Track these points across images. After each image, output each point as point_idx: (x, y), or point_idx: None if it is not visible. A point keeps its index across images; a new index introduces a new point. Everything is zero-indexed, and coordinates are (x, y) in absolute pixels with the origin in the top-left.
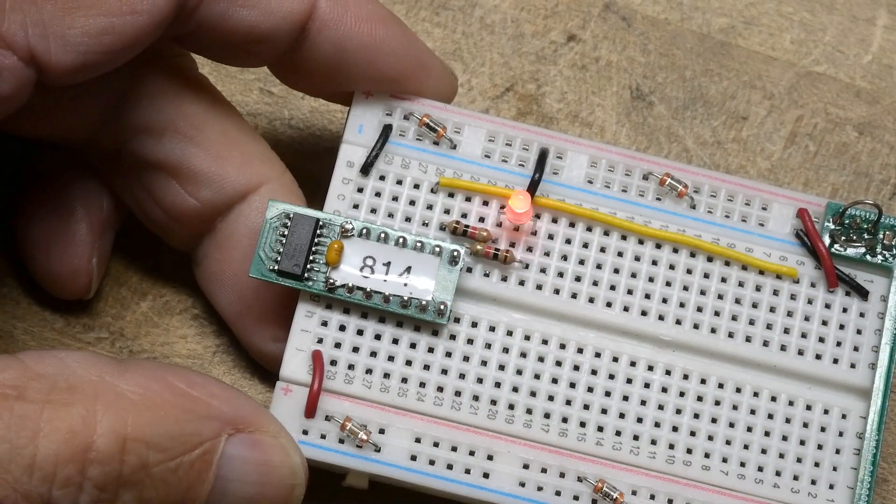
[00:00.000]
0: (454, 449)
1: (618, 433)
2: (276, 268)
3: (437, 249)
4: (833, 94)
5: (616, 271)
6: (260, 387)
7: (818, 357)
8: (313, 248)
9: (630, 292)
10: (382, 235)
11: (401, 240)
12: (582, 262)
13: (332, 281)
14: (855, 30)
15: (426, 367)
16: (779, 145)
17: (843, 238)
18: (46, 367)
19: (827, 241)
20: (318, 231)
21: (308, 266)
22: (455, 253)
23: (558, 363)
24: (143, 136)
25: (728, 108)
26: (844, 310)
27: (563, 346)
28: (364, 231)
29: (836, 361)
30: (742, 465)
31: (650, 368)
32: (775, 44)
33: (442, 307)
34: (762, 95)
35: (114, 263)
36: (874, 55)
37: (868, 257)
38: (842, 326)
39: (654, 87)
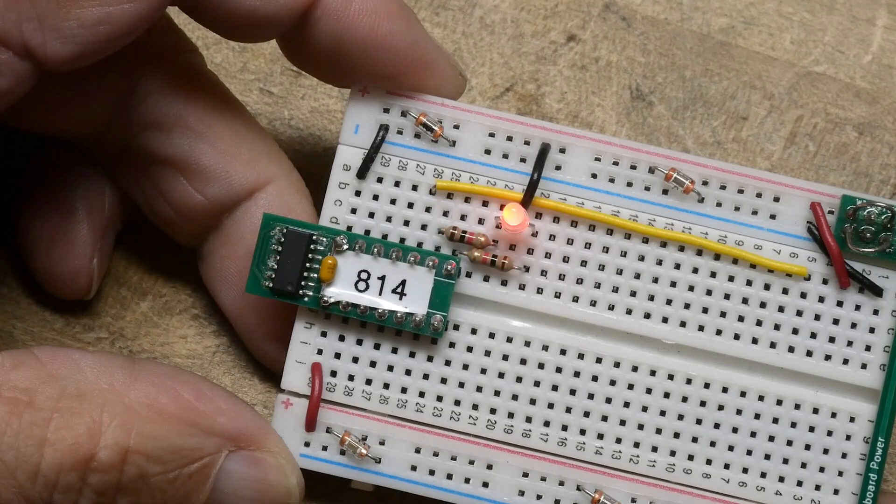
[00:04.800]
0: (454, 459)
1: (618, 440)
2: (270, 285)
3: (432, 263)
4: (833, 94)
5: (619, 272)
6: (260, 386)
7: (828, 358)
8: (307, 265)
9: (633, 294)
10: (376, 250)
11: (395, 254)
12: (584, 264)
13: (326, 299)
14: (855, 30)
15: (425, 377)
16: (779, 145)
17: (857, 233)
18: (59, 367)
19: (842, 236)
20: (312, 246)
21: (302, 283)
22: (450, 266)
23: (558, 370)
24: (151, 132)
25: (728, 108)
26: (857, 307)
27: (563, 352)
28: (358, 245)
29: (846, 362)
30: (744, 471)
31: (652, 373)
32: (775, 44)
33: (437, 322)
34: (762, 95)
35: (114, 263)
36: (874, 55)
37: (885, 254)
38: (854, 325)
39: (654, 87)
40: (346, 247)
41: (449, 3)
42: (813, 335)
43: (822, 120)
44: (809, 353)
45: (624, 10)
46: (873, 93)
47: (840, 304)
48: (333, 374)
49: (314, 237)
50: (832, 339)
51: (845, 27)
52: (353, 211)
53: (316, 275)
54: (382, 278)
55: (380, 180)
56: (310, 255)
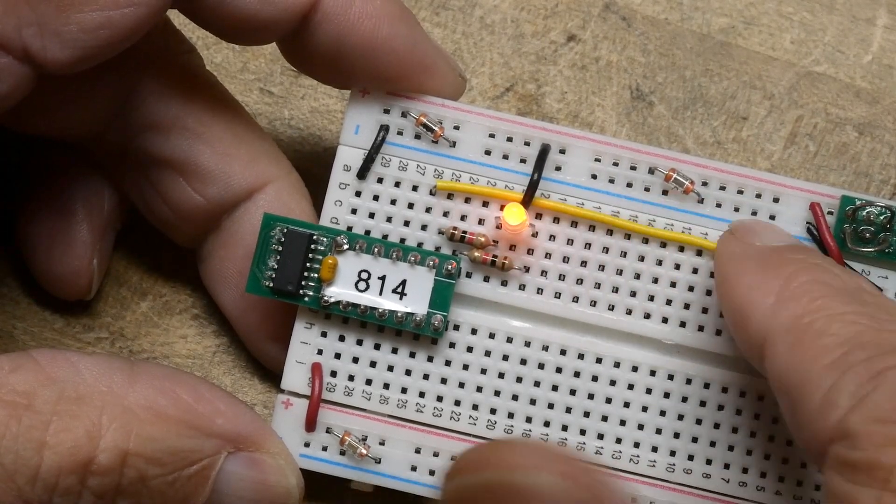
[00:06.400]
0: (454, 459)
1: (618, 440)
2: (270, 285)
3: (433, 263)
4: (833, 94)
5: (619, 273)
6: (260, 386)
7: None
8: (307, 265)
9: (633, 294)
10: (377, 250)
11: (395, 254)
12: (584, 264)
13: (326, 298)
14: (855, 30)
15: (425, 377)
16: (779, 145)
17: (856, 233)
18: (58, 370)
19: (843, 236)
20: (312, 246)
21: (302, 283)
22: (450, 266)
23: (559, 370)
24: (150, 133)
25: (728, 108)
26: None
27: (563, 353)
28: (358, 245)
29: None
30: (744, 471)
31: (652, 373)
32: (775, 44)
33: (437, 322)
34: (762, 95)
35: (114, 263)
36: (874, 55)
37: (884, 254)
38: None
39: (654, 87)
40: (346, 247)
41: (449, 3)
42: None
43: (823, 120)
44: None
45: (624, 10)
46: (873, 93)
47: None
48: (333, 374)
49: (315, 237)
50: None
51: (845, 27)
52: (354, 211)
53: (316, 275)
54: (383, 278)
55: (380, 181)
56: (310, 255)
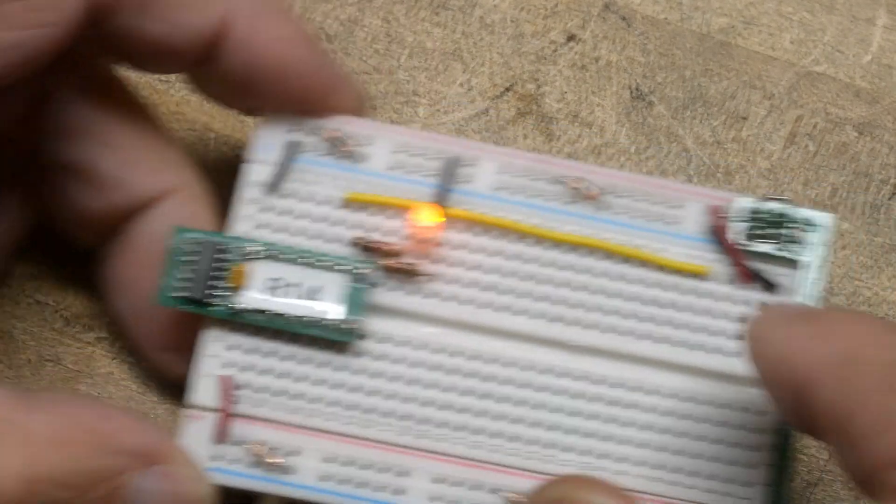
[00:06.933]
0: (368, 467)
1: (532, 442)
2: (177, 294)
3: (344, 268)
4: (833, 94)
5: (529, 278)
6: None
7: (732, 355)
8: (216, 273)
9: (543, 299)
10: (286, 257)
11: (305, 259)
12: (493, 272)
13: (236, 308)
14: (855, 30)
15: (337, 386)
16: (779, 145)
17: (756, 234)
18: None
19: (741, 237)
20: (221, 255)
21: (210, 292)
22: (361, 270)
23: (470, 375)
24: (54, 138)
25: (728, 108)
26: (751, 304)
27: (474, 358)
28: (268, 253)
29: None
30: (661, 468)
31: (564, 375)
32: (775, 44)
33: (348, 326)
34: (762, 95)
35: None
36: (874, 55)
37: (779, 252)
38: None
39: (654, 87)
40: (255, 255)
41: (449, 3)
42: (716, 333)
43: (822, 120)
44: (714, 351)
45: (624, 10)
46: (873, 93)
47: (739, 301)
48: (243, 385)
49: (223, 247)
50: (735, 337)
51: (845, 27)
52: (263, 226)
53: (226, 283)
54: (294, 286)
55: (289, 196)
56: (219, 265)
